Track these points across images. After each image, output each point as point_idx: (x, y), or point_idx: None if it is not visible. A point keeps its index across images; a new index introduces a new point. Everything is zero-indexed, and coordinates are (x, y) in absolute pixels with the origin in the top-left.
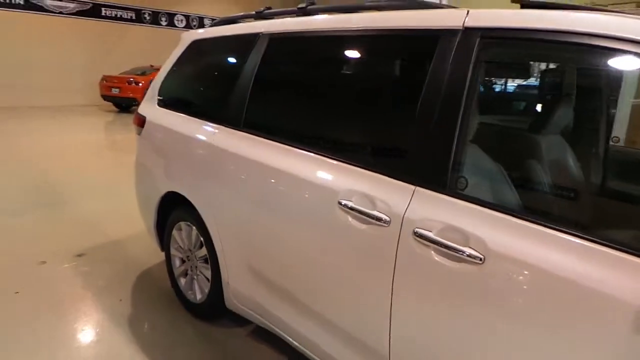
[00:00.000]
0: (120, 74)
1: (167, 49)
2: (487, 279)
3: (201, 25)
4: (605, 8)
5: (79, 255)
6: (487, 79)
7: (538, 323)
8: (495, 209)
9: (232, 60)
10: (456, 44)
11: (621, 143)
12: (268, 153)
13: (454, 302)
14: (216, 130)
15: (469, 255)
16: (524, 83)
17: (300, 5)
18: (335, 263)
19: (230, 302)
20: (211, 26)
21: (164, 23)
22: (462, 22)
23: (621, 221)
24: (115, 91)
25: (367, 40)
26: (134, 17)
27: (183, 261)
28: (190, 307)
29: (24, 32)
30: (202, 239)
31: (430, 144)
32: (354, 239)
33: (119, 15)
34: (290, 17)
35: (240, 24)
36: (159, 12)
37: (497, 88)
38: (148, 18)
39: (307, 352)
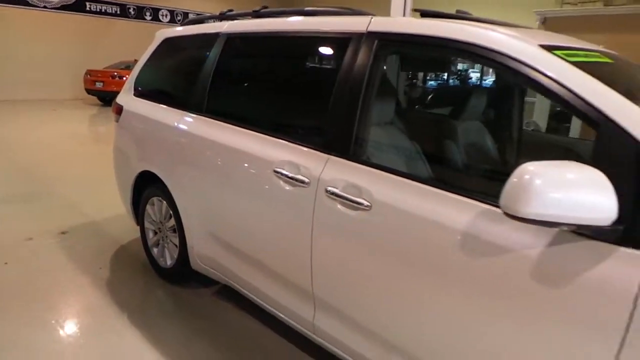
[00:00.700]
0: (105, 68)
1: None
2: (373, 220)
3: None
4: (494, 20)
5: (63, 233)
6: (382, 73)
7: (407, 249)
8: (381, 169)
9: (196, 55)
10: (361, 44)
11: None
12: (222, 133)
13: (353, 239)
14: (182, 116)
15: (361, 204)
16: (411, 76)
17: (254, 9)
18: (272, 219)
19: (195, 264)
20: (181, 25)
21: (148, 18)
22: (366, 27)
23: (478, 176)
24: (99, 85)
25: (298, 41)
26: (118, 12)
27: (155, 232)
28: (162, 273)
29: (7, 27)
30: (171, 211)
31: (339, 123)
32: (285, 198)
33: (103, 10)
34: (246, 19)
35: (205, 24)
36: (144, 7)
37: (391, 80)
38: (133, 13)
39: (255, 298)
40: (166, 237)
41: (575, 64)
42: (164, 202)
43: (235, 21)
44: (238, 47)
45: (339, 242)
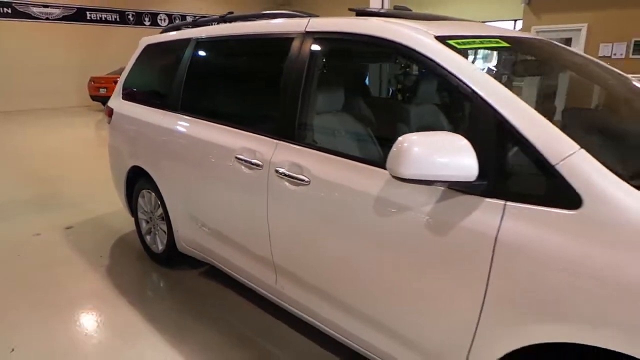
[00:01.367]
0: (107, 74)
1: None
2: (312, 193)
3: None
4: (427, 15)
5: (68, 228)
6: (318, 67)
7: (339, 215)
8: (317, 149)
9: (173, 60)
10: (300, 43)
11: None
12: (194, 128)
13: (298, 210)
14: (162, 115)
15: (302, 180)
16: (342, 69)
17: (221, 15)
18: (236, 199)
19: (180, 246)
20: (160, 33)
21: (147, 23)
22: (304, 28)
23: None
24: (102, 91)
25: (252, 42)
26: (118, 19)
27: (147, 222)
28: (155, 257)
29: (13, 39)
30: (159, 201)
31: (285, 112)
32: (245, 180)
33: (103, 18)
34: (215, 24)
35: (181, 30)
36: (142, 13)
37: (329, 74)
38: (132, 19)
39: (230, 271)
40: (156, 225)
41: (461, 50)
42: (153, 193)
43: (204, 27)
44: (205, 50)
45: (287, 214)
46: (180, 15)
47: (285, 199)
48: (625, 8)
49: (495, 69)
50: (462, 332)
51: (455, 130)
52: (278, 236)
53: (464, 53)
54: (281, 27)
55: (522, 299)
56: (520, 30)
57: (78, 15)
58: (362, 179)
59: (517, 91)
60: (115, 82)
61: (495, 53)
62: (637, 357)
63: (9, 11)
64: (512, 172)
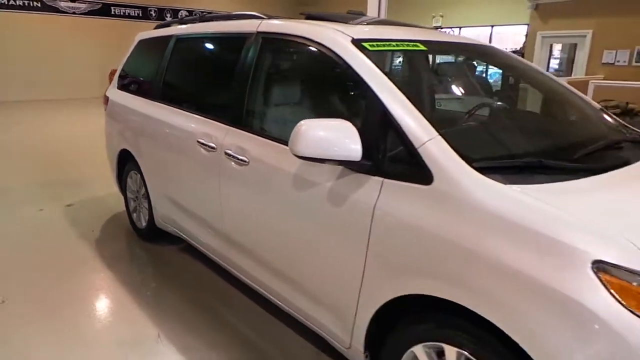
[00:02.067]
0: None
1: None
2: (250, 171)
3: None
4: (372, 19)
5: (69, 205)
6: (264, 63)
7: (269, 189)
8: (256, 134)
9: (157, 54)
10: (252, 41)
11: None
12: (168, 115)
13: (241, 187)
14: (145, 103)
15: (244, 161)
16: (282, 66)
17: (201, 15)
18: (197, 178)
19: (158, 222)
20: (154, 29)
21: (168, 19)
22: (256, 28)
23: None
24: None
25: (216, 40)
26: (140, 14)
27: (134, 200)
28: (139, 233)
29: (42, 32)
30: (142, 181)
31: (235, 102)
32: (203, 161)
33: (126, 13)
34: (195, 22)
35: (168, 27)
36: (164, 9)
37: (271, 70)
38: (154, 14)
39: (194, 243)
40: (141, 203)
41: (371, 51)
42: (138, 174)
43: (185, 25)
44: (182, 46)
45: (233, 190)
46: (201, 11)
47: (231, 177)
48: (630, 16)
49: (403, 68)
50: (352, 286)
51: (353, 118)
52: (227, 209)
53: (373, 54)
54: (239, 27)
55: (392, 258)
56: (527, 34)
57: (103, 11)
58: (287, 159)
59: (417, 87)
60: None
61: (409, 54)
62: (464, 305)
63: (39, 5)
64: (390, 155)
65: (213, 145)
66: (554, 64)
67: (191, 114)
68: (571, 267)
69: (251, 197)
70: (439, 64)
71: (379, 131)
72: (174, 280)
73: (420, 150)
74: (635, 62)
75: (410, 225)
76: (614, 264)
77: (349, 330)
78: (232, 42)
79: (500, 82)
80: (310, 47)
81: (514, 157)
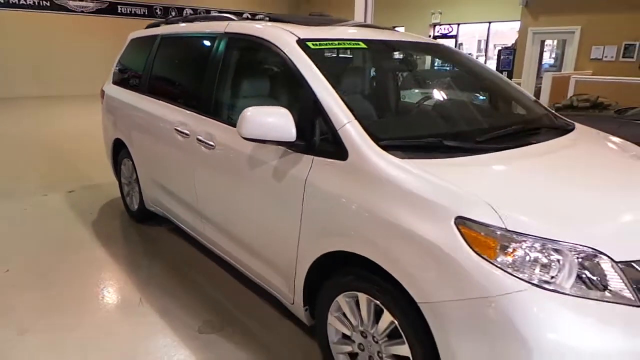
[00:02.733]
0: None
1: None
2: (216, 154)
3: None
4: (326, 20)
5: (70, 191)
6: (229, 59)
7: (231, 169)
8: (221, 121)
9: (145, 51)
10: (220, 40)
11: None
12: (152, 106)
13: (209, 168)
14: (134, 96)
15: (211, 145)
16: (243, 62)
17: (185, 16)
18: (175, 161)
19: (147, 204)
20: (145, 28)
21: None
22: (224, 29)
23: None
24: None
25: (192, 39)
26: (146, 13)
27: (127, 185)
28: (132, 215)
29: (52, 31)
30: (134, 167)
31: (205, 94)
32: (179, 146)
33: (133, 12)
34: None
35: (156, 27)
36: (169, 7)
37: (234, 65)
38: (159, 13)
39: (175, 220)
40: (133, 188)
41: (313, 49)
42: (130, 161)
43: (169, 25)
44: (164, 45)
45: (203, 171)
46: (205, 10)
47: (202, 159)
48: (617, 12)
49: (343, 63)
50: (291, 246)
51: (293, 106)
52: (199, 188)
53: (315, 51)
54: (211, 27)
55: (320, 221)
56: (519, 31)
57: (110, 9)
58: (244, 142)
59: (349, 80)
60: None
61: (349, 51)
62: (367, 256)
63: (48, 4)
64: (318, 136)
65: (187, 132)
66: (550, 59)
67: (171, 105)
68: (440, 222)
69: (217, 176)
70: (378, 60)
71: (311, 117)
72: (159, 255)
73: (339, 132)
74: (623, 57)
75: (332, 194)
76: (470, 219)
77: (292, 288)
78: (204, 41)
79: (436, 75)
80: (264, 46)
81: (419, 138)
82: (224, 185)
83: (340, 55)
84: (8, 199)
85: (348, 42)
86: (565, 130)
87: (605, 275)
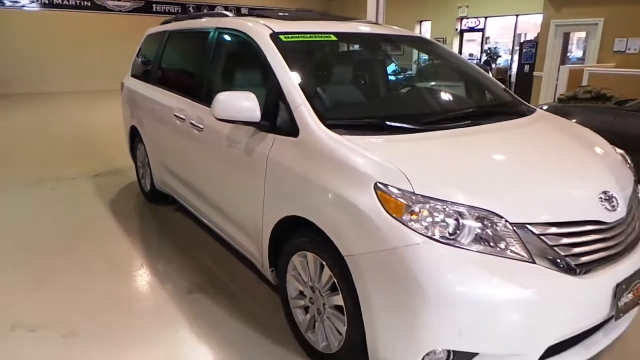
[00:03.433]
0: None
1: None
2: (206, 136)
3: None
4: (302, 15)
5: (96, 175)
6: (218, 52)
7: (215, 148)
8: (208, 107)
9: (156, 46)
10: (212, 35)
11: None
12: (159, 95)
13: (200, 147)
14: (146, 87)
15: (201, 127)
16: (229, 54)
17: (190, 14)
18: (174, 143)
19: (157, 185)
20: (160, 24)
21: None
22: (216, 24)
23: None
24: None
25: (194, 34)
26: (180, 11)
27: (142, 168)
28: (145, 195)
29: (91, 29)
30: (145, 151)
31: (199, 83)
32: (177, 129)
33: (167, 10)
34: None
35: (167, 24)
36: (202, 5)
37: (222, 56)
38: (192, 11)
39: (177, 197)
40: (146, 170)
41: (285, 42)
42: (143, 146)
43: (177, 22)
44: (172, 40)
45: (195, 150)
46: (236, 7)
47: (194, 140)
48: None
49: (313, 53)
50: (258, 211)
51: (262, 90)
52: (193, 165)
53: (286, 43)
54: (207, 23)
55: (278, 190)
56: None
57: (146, 8)
58: (225, 124)
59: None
60: None
61: (323, 43)
62: (307, 218)
63: (89, 4)
64: (279, 117)
65: (183, 117)
66: (578, 52)
67: (172, 94)
68: (363, 187)
69: (205, 155)
70: (345, 51)
71: (275, 100)
72: (164, 229)
73: (294, 112)
74: None
75: (286, 166)
76: (385, 184)
77: (260, 250)
78: (200, 36)
79: (404, 65)
80: (244, 38)
81: (364, 119)
82: (210, 162)
83: (309, 47)
84: (40, 181)
85: (319, 34)
86: (522, 114)
87: (501, 234)
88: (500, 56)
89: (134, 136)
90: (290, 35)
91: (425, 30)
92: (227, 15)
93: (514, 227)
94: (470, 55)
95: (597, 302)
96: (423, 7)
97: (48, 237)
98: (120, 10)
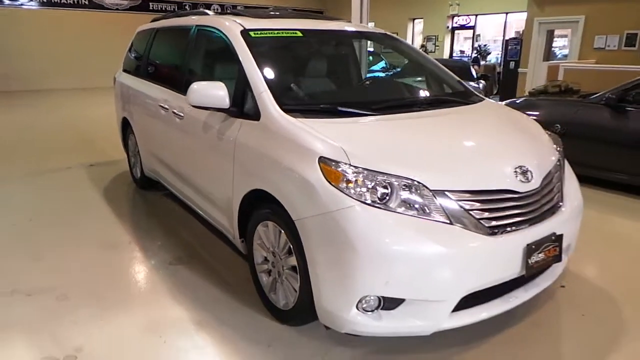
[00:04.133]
0: None
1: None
2: (185, 123)
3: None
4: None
5: (91, 165)
6: (196, 47)
7: (193, 133)
8: None
9: (144, 42)
10: (193, 32)
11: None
12: (146, 87)
13: (180, 133)
14: (135, 80)
15: (181, 115)
16: (206, 49)
17: (176, 12)
18: (159, 131)
19: (146, 172)
20: (150, 22)
21: None
22: (196, 23)
23: None
24: None
25: (176, 31)
26: (176, 9)
27: (133, 157)
28: (136, 182)
29: (89, 27)
30: (135, 141)
31: (180, 75)
32: (162, 118)
33: (164, 8)
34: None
35: (156, 22)
36: (197, 3)
37: (199, 51)
38: (188, 9)
39: (162, 181)
40: (136, 159)
41: (254, 38)
42: (134, 136)
43: (163, 19)
44: (158, 36)
45: (177, 136)
46: (232, 5)
47: (176, 127)
48: (619, 2)
49: (280, 48)
50: (228, 187)
51: (232, 80)
52: (175, 150)
53: (255, 39)
54: (189, 21)
55: (245, 167)
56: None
57: (142, 6)
58: (201, 112)
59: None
60: None
61: (289, 39)
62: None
63: (86, 2)
64: (246, 104)
65: (167, 107)
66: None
67: (158, 86)
68: (309, 161)
69: (185, 140)
70: (309, 45)
71: (243, 89)
72: (152, 212)
73: (257, 99)
74: (625, 46)
75: (250, 146)
76: (327, 158)
77: (232, 223)
78: (183, 33)
79: (365, 60)
80: (218, 35)
81: (318, 104)
82: (189, 146)
83: (276, 42)
84: (39, 172)
85: (286, 31)
86: (470, 103)
87: (423, 200)
88: (490, 53)
89: (126, 127)
90: (259, 32)
91: (419, 29)
92: (207, 14)
93: (434, 194)
94: (462, 52)
95: (508, 259)
96: (415, 5)
97: (45, 217)
98: (117, 9)
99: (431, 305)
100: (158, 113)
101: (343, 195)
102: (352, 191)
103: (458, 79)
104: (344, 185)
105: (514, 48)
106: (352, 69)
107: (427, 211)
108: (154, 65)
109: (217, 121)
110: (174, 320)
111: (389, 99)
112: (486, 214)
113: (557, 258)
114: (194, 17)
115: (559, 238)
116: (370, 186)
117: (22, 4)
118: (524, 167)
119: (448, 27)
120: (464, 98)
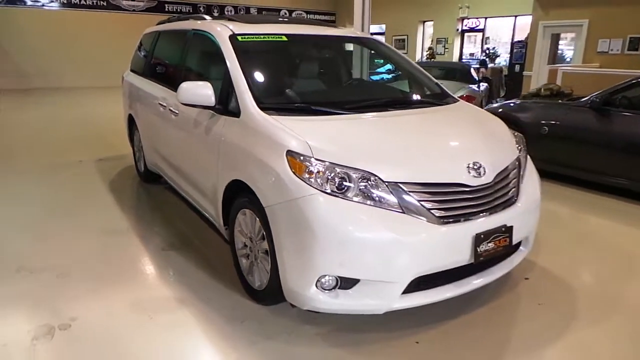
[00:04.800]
0: None
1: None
2: (179, 119)
3: (247, 14)
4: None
5: (100, 159)
6: (192, 50)
7: (186, 128)
8: None
9: (149, 44)
10: (189, 35)
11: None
12: (148, 86)
13: (175, 129)
14: (139, 79)
15: (176, 112)
16: (198, 51)
17: (178, 16)
18: (158, 127)
19: (148, 165)
20: (156, 25)
21: (216, 14)
22: (192, 27)
23: None
24: None
25: (175, 34)
26: (191, 10)
27: (138, 152)
28: (140, 175)
29: (106, 28)
30: (139, 136)
31: (176, 75)
32: (161, 115)
33: (179, 10)
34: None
35: (160, 25)
36: (212, 5)
37: (193, 53)
38: (202, 10)
39: (161, 173)
40: (141, 153)
41: (240, 42)
42: (138, 132)
43: (166, 23)
44: (160, 39)
45: (173, 132)
46: (245, 7)
47: (172, 123)
48: (622, 5)
49: (266, 51)
50: (213, 177)
51: (219, 81)
52: (171, 144)
53: (242, 43)
54: (186, 25)
55: (227, 160)
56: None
57: (158, 8)
58: (192, 109)
59: (262, 63)
60: None
61: (275, 43)
62: (244, 181)
63: (104, 4)
64: (230, 103)
65: (165, 104)
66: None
67: (159, 85)
68: (278, 154)
69: (179, 135)
70: (292, 49)
71: (228, 89)
72: (153, 203)
73: (238, 97)
74: (628, 50)
75: (232, 141)
76: (293, 151)
77: (218, 211)
78: (181, 36)
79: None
80: (209, 38)
81: (293, 104)
82: (182, 141)
83: (261, 46)
84: (53, 164)
85: (272, 35)
86: (444, 104)
87: (378, 190)
88: (498, 56)
89: (131, 124)
90: (246, 36)
91: (429, 32)
92: (204, 19)
93: (388, 185)
94: (471, 55)
95: (456, 247)
96: (425, 8)
97: (54, 206)
98: (134, 10)
99: (383, 286)
100: (158, 110)
101: (306, 185)
102: (314, 181)
103: (436, 81)
104: (307, 175)
105: (519, 51)
106: (333, 71)
107: (381, 201)
108: (155, 65)
109: (205, 118)
110: (160, 298)
111: (363, 100)
112: (437, 205)
113: (508, 248)
114: (191, 22)
115: (509, 229)
116: (330, 177)
117: (43, 5)
118: (478, 163)
119: (458, 29)
120: (438, 99)
